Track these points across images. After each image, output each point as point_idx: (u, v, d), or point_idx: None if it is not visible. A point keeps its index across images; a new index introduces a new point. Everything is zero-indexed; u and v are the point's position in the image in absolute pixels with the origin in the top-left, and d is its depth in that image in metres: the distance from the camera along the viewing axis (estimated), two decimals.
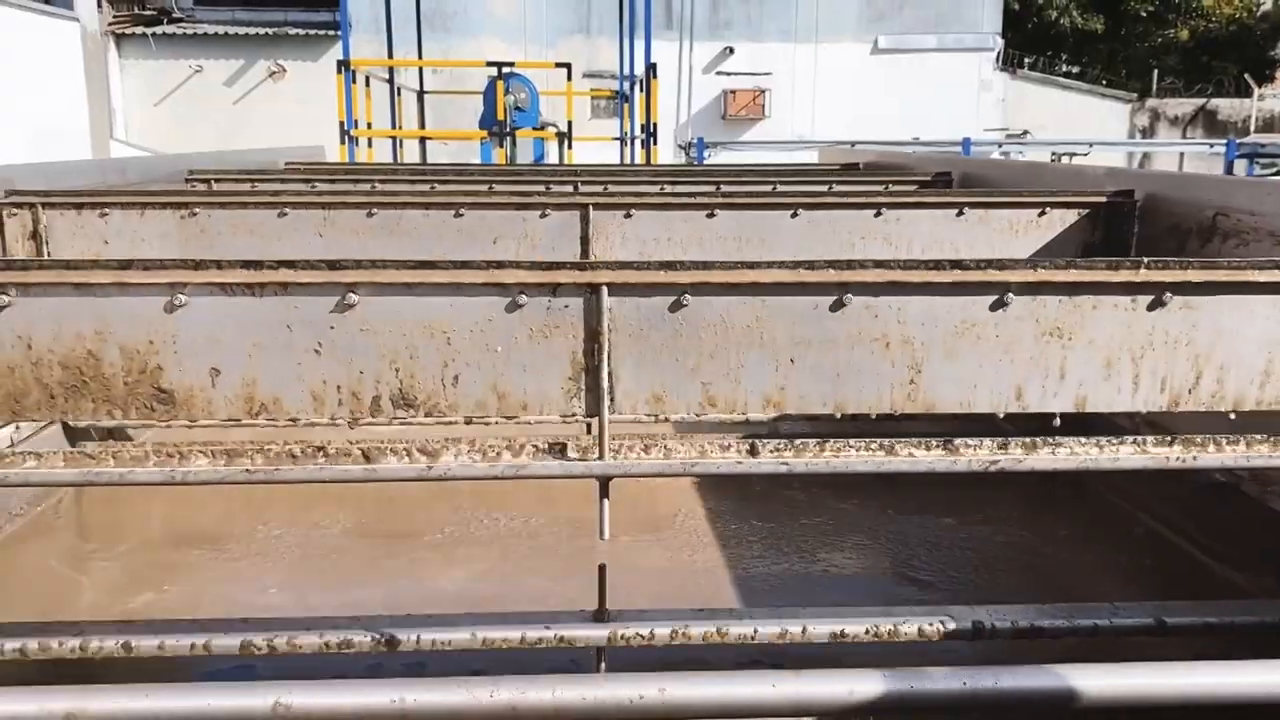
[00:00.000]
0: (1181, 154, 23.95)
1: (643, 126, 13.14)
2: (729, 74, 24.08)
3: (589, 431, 2.93)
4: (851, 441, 2.24)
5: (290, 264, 2.02)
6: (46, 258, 2.10)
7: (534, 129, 13.68)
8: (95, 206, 4.03)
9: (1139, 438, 2.24)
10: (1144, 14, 30.36)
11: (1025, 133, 24.58)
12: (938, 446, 2.20)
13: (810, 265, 2.08)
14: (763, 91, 23.98)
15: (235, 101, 22.90)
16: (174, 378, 2.07)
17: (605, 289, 2.05)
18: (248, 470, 2.07)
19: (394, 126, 13.85)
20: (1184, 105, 27.67)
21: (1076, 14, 29.88)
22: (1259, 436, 2.18)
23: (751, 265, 2.07)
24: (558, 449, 2.17)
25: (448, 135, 16.65)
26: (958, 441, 2.21)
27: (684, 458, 2.16)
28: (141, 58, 22.66)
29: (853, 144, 17.49)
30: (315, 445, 2.12)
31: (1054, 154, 20.88)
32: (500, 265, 2.06)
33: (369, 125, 12.38)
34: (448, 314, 2.07)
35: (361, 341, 2.07)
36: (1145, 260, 2.10)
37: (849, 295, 2.09)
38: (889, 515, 3.58)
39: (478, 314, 2.07)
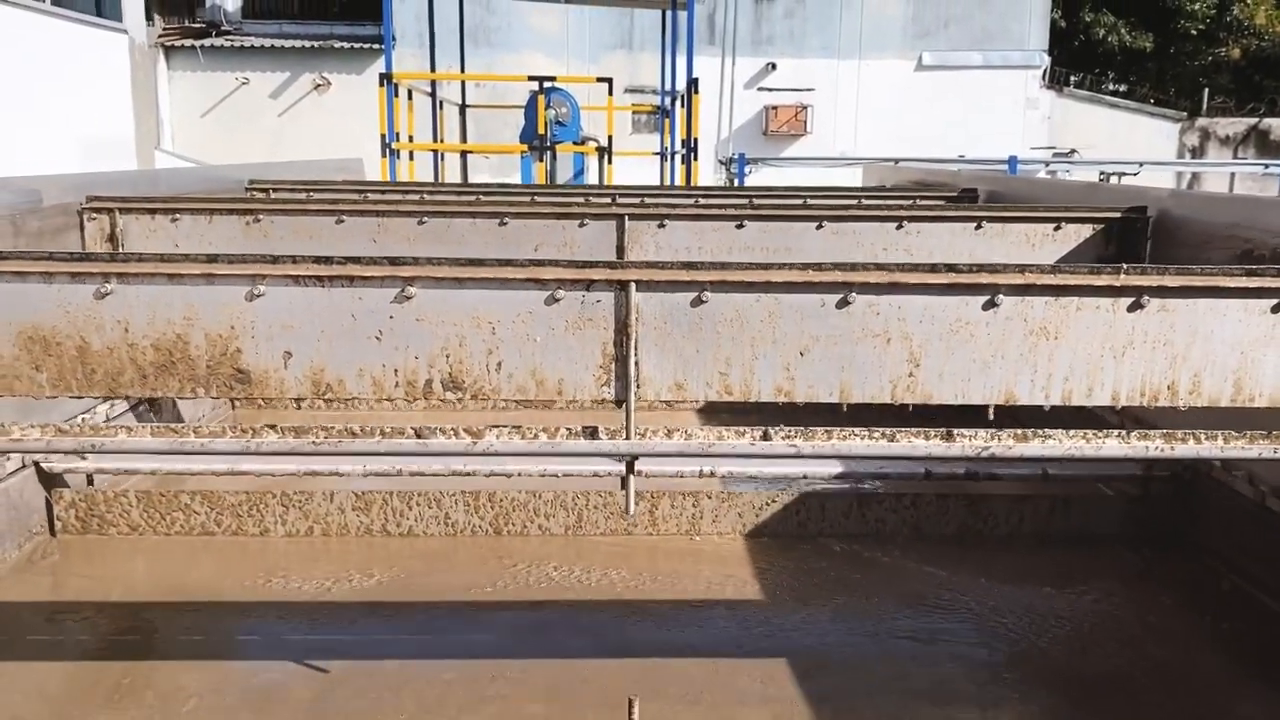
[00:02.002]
0: (1233, 174, 23.70)
1: (683, 142, 13.41)
2: (771, 90, 24.30)
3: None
4: (856, 430, 2.46)
5: (356, 260, 2.29)
6: (145, 252, 2.35)
7: (574, 143, 13.97)
8: (167, 212, 4.36)
9: (1123, 431, 2.44)
10: (1194, 32, 30.16)
11: (1073, 151, 24.52)
12: (936, 435, 2.42)
13: (819, 266, 2.30)
14: (805, 108, 24.16)
15: (280, 114, 23.46)
16: (251, 360, 2.34)
17: (634, 285, 2.29)
18: (314, 443, 2.33)
19: (435, 140, 14.22)
20: (1235, 125, 27.43)
21: (1125, 31, 29.77)
22: (1234, 431, 2.38)
23: (765, 266, 2.30)
24: (589, 431, 2.42)
25: (488, 149, 16.98)
26: (954, 431, 2.43)
27: (703, 440, 2.39)
28: (189, 69, 23.26)
29: (896, 161, 17.62)
30: (373, 426, 2.39)
31: (1102, 174, 20.80)
32: (540, 264, 2.31)
33: (410, 138, 12.72)
34: (493, 306, 2.32)
35: (417, 330, 2.33)
36: (1125, 266, 2.30)
37: (854, 294, 2.31)
38: (981, 583, 3.46)
39: (519, 307, 2.32)
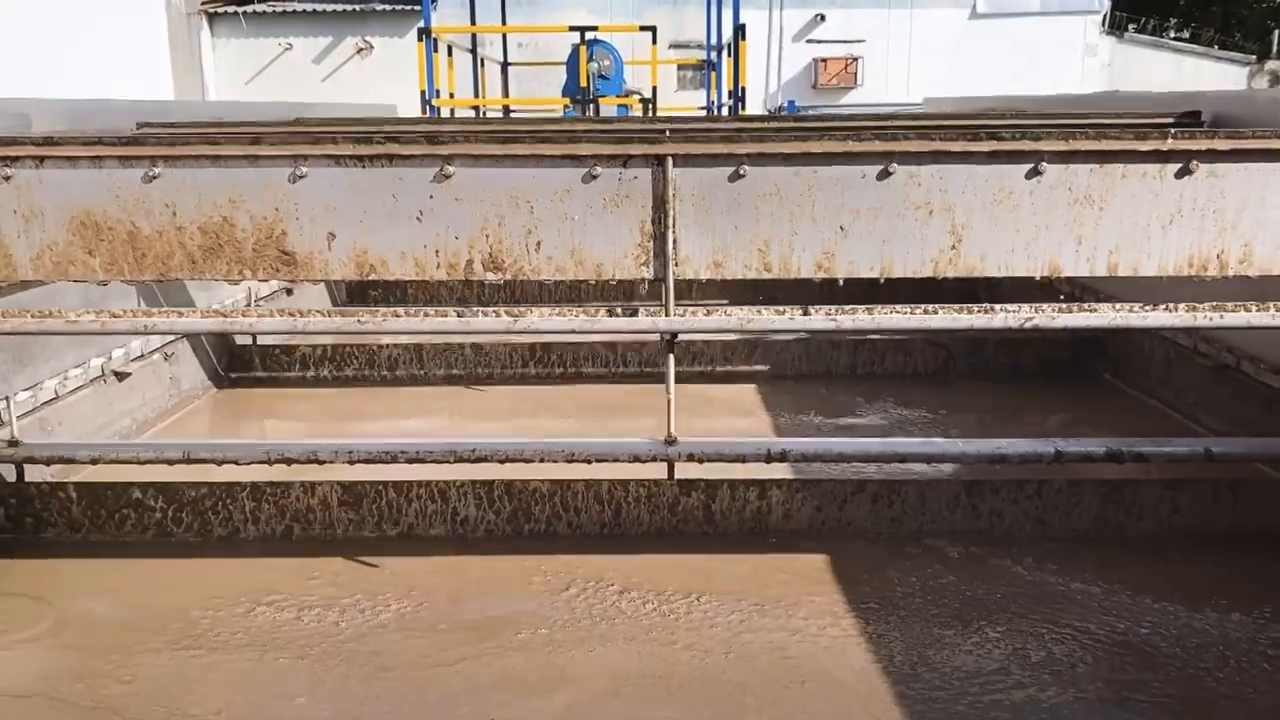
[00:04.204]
0: None
1: (730, 92, 13.25)
2: (820, 42, 23.92)
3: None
4: (897, 306, 2.45)
5: (395, 138, 2.31)
6: (191, 132, 2.39)
7: (618, 97, 13.85)
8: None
9: (1170, 304, 2.41)
10: None
11: None
12: (977, 310, 2.40)
13: (858, 136, 2.28)
14: (855, 59, 23.76)
15: (323, 79, 23.56)
16: (295, 242, 2.37)
17: (671, 160, 2.29)
18: (359, 321, 2.37)
19: (476, 97, 14.20)
20: None
21: None
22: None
23: (804, 137, 2.29)
24: (629, 310, 2.43)
25: (529, 102, 16.94)
26: (995, 305, 2.41)
27: (741, 317, 2.39)
28: (233, 36, 23.44)
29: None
30: (418, 307, 2.42)
31: None
32: (576, 140, 2.32)
33: (451, 95, 12.70)
34: (531, 185, 2.33)
35: (456, 210, 2.35)
36: (1173, 130, 2.25)
37: (894, 165, 2.29)
38: (1126, 596, 2.51)
39: (557, 185, 2.33)
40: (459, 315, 2.37)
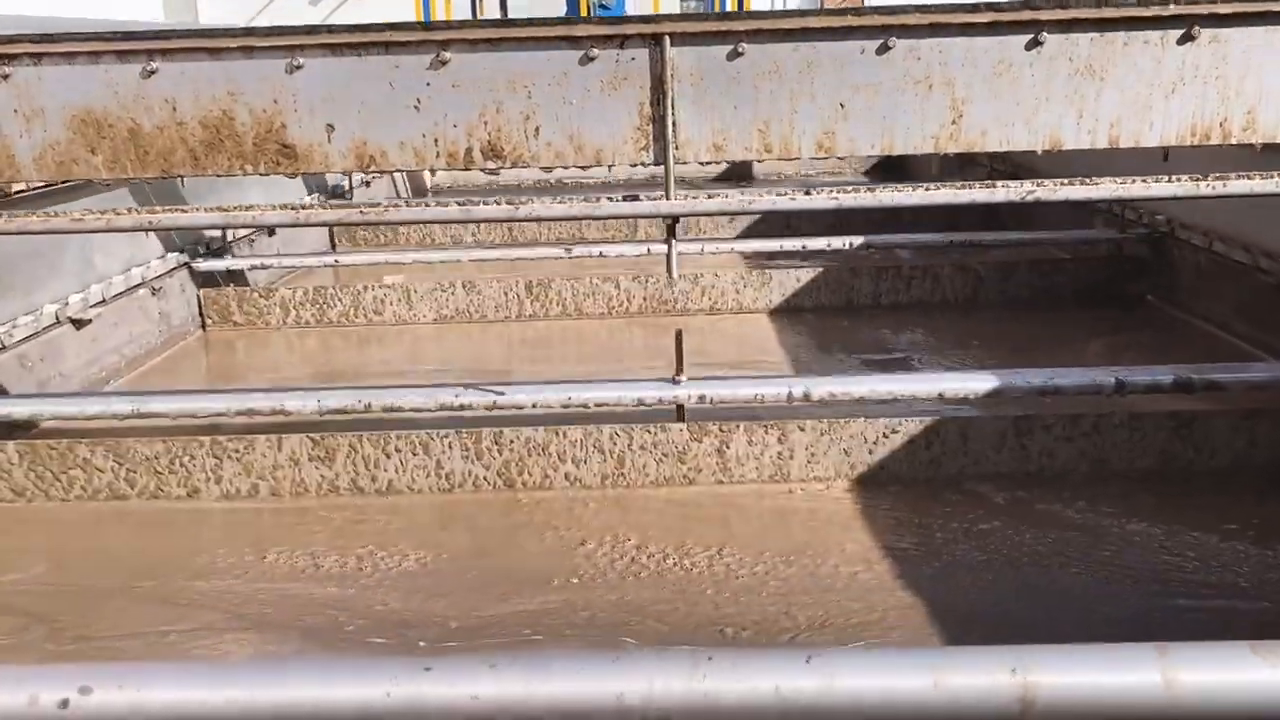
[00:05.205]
0: None
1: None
2: None
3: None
4: (898, 185, 2.45)
5: (392, 25, 2.30)
6: (189, 26, 2.37)
7: None
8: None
9: (1174, 175, 2.40)
10: None
11: None
12: (979, 185, 2.40)
13: (857, 11, 2.26)
14: None
15: (316, 4, 23.31)
16: (295, 134, 2.38)
17: (668, 39, 2.28)
18: (361, 213, 2.38)
19: (474, 18, 14.02)
20: None
21: None
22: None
23: (802, 12, 2.27)
24: (630, 196, 2.43)
25: None
26: (997, 181, 2.41)
27: (742, 199, 2.40)
28: None
29: None
30: (419, 199, 2.43)
31: None
32: (571, 22, 2.30)
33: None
34: (528, 68, 2.32)
35: (454, 97, 2.35)
36: None
37: (894, 39, 2.27)
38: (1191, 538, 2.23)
39: (554, 68, 2.32)
40: (460, 205, 2.37)
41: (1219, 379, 2.51)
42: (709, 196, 2.41)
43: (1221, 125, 2.31)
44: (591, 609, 2.04)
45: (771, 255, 4.61)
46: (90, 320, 3.34)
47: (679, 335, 2.43)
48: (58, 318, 3.20)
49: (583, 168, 2.42)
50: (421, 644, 1.95)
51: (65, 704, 1.22)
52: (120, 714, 1.23)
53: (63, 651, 1.96)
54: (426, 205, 2.38)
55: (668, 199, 2.38)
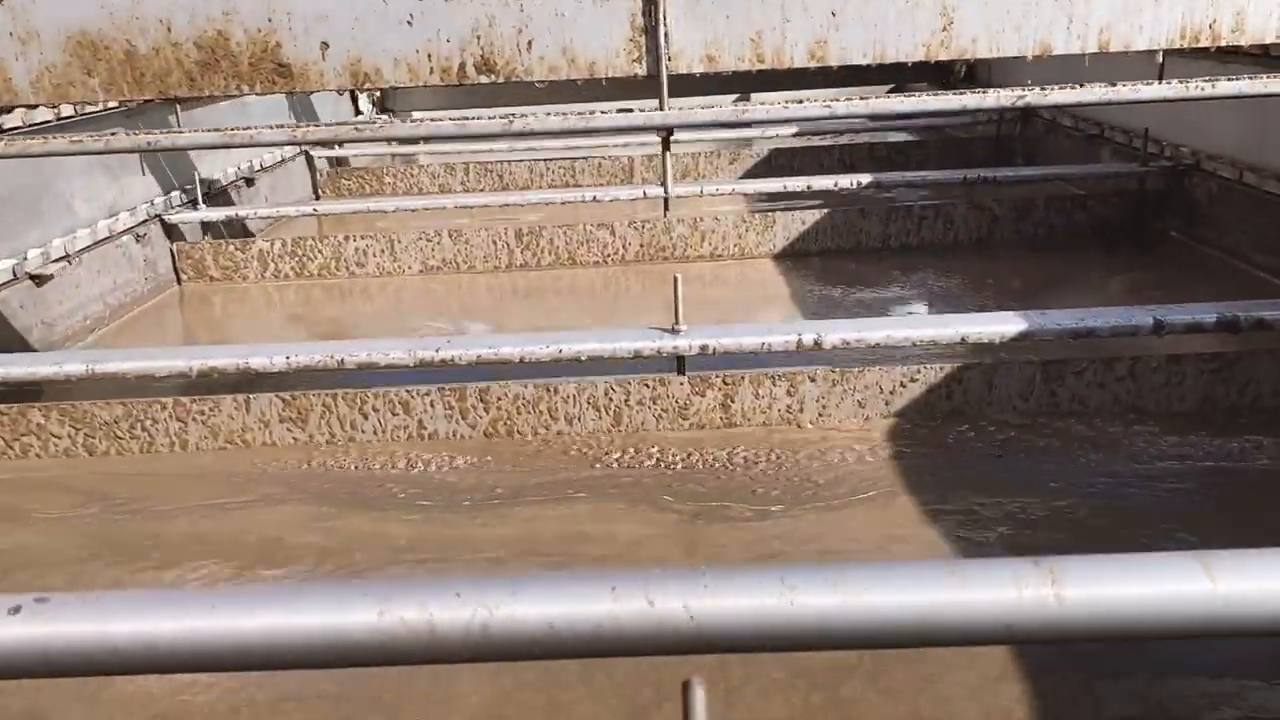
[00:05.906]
0: None
1: None
2: None
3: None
4: (891, 97, 2.46)
5: None
6: None
7: None
8: None
9: (1163, 80, 2.42)
10: None
11: None
12: (970, 93, 2.42)
13: None
14: None
15: None
16: (290, 53, 2.39)
17: None
18: (355, 129, 2.40)
19: None
20: None
21: None
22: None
23: None
24: (624, 110, 2.45)
25: None
26: (988, 89, 2.42)
27: (735, 109, 2.42)
28: None
29: None
30: (418, 113, 2.45)
31: None
32: None
33: None
34: None
35: (446, 11, 2.36)
36: None
37: None
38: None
39: None
40: (453, 121, 2.39)
41: (1266, 316, 2.36)
42: (702, 107, 2.42)
43: (1211, 27, 2.33)
44: None
45: (774, 196, 4.47)
46: (52, 276, 3.34)
47: (676, 280, 2.34)
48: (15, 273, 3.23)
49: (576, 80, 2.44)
50: None
51: None
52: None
53: None
54: (422, 122, 2.40)
55: (661, 109, 2.40)
